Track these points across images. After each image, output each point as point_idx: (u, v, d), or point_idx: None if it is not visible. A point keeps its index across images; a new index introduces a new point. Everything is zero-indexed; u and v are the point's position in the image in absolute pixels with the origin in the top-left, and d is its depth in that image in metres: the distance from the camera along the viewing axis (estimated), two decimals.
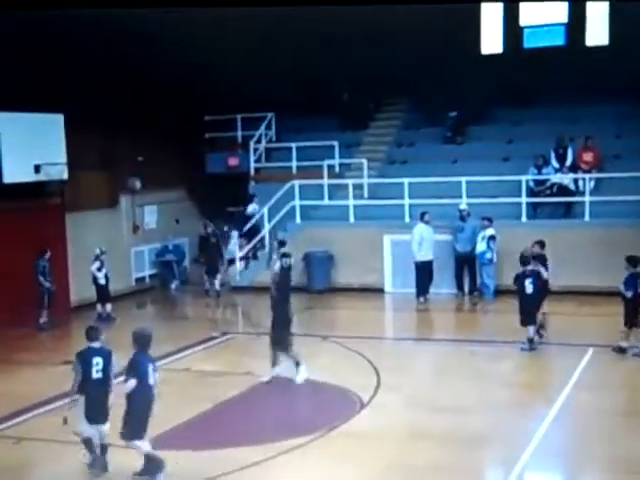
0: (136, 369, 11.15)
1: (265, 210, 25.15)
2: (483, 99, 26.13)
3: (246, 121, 27.94)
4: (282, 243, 22.71)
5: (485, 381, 15.35)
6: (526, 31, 25.96)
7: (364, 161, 25.69)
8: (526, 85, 25.29)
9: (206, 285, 24.15)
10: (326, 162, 25.64)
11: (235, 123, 28.09)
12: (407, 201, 23.79)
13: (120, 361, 11.63)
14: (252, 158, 27.33)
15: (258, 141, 27.61)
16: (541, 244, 18.04)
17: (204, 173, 27.94)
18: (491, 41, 26.30)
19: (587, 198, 22.50)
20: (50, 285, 20.64)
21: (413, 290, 22.55)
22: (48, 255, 20.70)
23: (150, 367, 11.23)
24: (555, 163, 23.48)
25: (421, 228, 22.46)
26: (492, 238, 22.11)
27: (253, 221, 25.57)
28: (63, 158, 21.55)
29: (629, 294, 16.38)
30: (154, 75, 24.44)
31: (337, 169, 26.16)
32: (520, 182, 22.91)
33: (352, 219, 24.52)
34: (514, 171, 23.37)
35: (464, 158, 25.24)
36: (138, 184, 25.32)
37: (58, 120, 21.50)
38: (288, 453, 12.07)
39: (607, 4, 24.19)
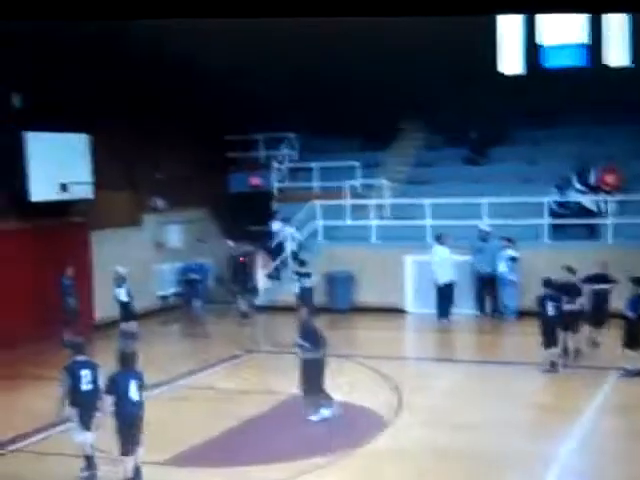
0: (112, 387, 11.43)
1: (287, 229, 25.35)
2: (504, 120, 26.24)
3: (269, 141, 28.16)
4: (302, 263, 22.94)
5: (507, 402, 15.38)
6: (547, 51, 26.00)
7: (385, 181, 25.82)
8: (547, 106, 25.36)
9: (240, 306, 24.09)
10: (348, 182, 25.80)
11: (258, 143, 28.31)
12: (428, 222, 23.92)
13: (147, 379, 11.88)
14: (275, 178, 27.54)
15: (281, 161, 27.82)
16: (569, 269, 17.87)
17: (227, 192, 28.18)
18: (512, 62, 26.31)
19: (609, 220, 22.53)
20: (74, 303, 20.83)
21: (434, 311, 22.65)
22: (71, 273, 20.90)
23: (132, 383, 11.44)
24: (577, 184, 23.52)
25: (438, 250, 22.56)
26: (513, 259, 22.16)
27: (278, 239, 25.79)
28: (89, 177, 21.83)
29: (633, 314, 16.36)
30: (178, 96, 24.73)
31: (359, 189, 26.33)
32: (542, 203, 22.97)
33: (374, 239, 24.65)
34: (535, 192, 23.41)
35: (485, 179, 25.33)
36: (162, 203, 25.56)
37: (84, 140, 21.76)
38: (309, 472, 12.13)
39: (628, 25, 24.22)
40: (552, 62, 25.85)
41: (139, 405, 11.54)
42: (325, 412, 14.20)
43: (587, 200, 23.29)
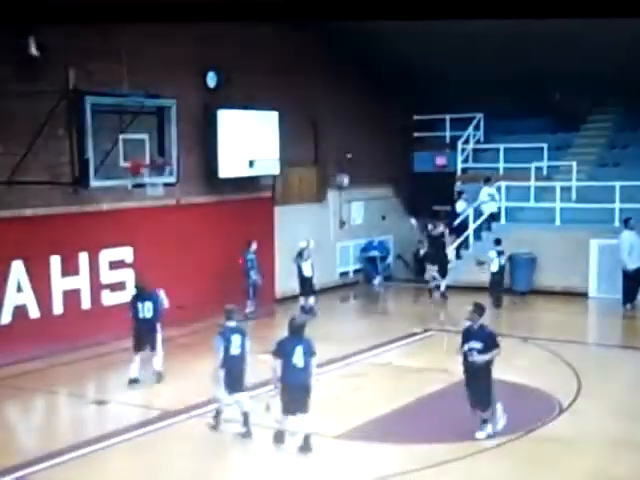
0: (279, 351, 11.95)
1: (470, 210, 25.22)
2: None
3: (455, 121, 28.01)
4: (498, 241, 22.81)
5: None
6: None
7: (573, 164, 25.23)
8: None
9: (432, 284, 23.79)
10: (534, 164, 25.39)
11: (444, 123, 28.21)
12: (617, 205, 23.23)
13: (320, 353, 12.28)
14: (459, 158, 27.39)
15: (466, 141, 27.64)
16: None
17: (411, 171, 28.23)
18: None
19: None
20: (257, 277, 21.35)
21: (619, 296, 22.00)
22: (254, 247, 21.35)
23: (298, 349, 11.86)
24: None
25: (627, 235, 21.89)
26: None
27: (462, 218, 25.71)
28: (276, 154, 22.30)
29: None
30: (366, 76, 24.99)
31: (545, 171, 25.84)
32: None
33: (558, 222, 24.18)
34: None
35: None
36: (346, 180, 25.87)
37: (273, 117, 22.20)
38: (483, 453, 12.10)
39: None
40: None
41: (303, 371, 11.87)
42: (489, 429, 12.72)
43: None
